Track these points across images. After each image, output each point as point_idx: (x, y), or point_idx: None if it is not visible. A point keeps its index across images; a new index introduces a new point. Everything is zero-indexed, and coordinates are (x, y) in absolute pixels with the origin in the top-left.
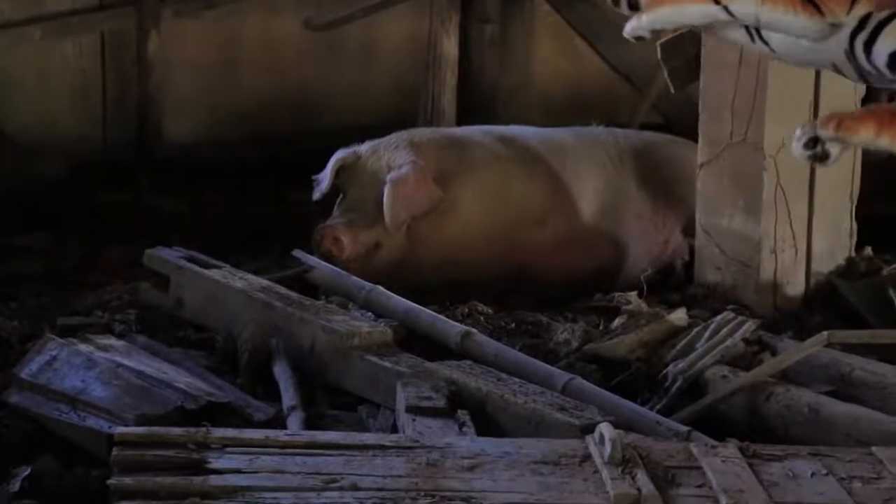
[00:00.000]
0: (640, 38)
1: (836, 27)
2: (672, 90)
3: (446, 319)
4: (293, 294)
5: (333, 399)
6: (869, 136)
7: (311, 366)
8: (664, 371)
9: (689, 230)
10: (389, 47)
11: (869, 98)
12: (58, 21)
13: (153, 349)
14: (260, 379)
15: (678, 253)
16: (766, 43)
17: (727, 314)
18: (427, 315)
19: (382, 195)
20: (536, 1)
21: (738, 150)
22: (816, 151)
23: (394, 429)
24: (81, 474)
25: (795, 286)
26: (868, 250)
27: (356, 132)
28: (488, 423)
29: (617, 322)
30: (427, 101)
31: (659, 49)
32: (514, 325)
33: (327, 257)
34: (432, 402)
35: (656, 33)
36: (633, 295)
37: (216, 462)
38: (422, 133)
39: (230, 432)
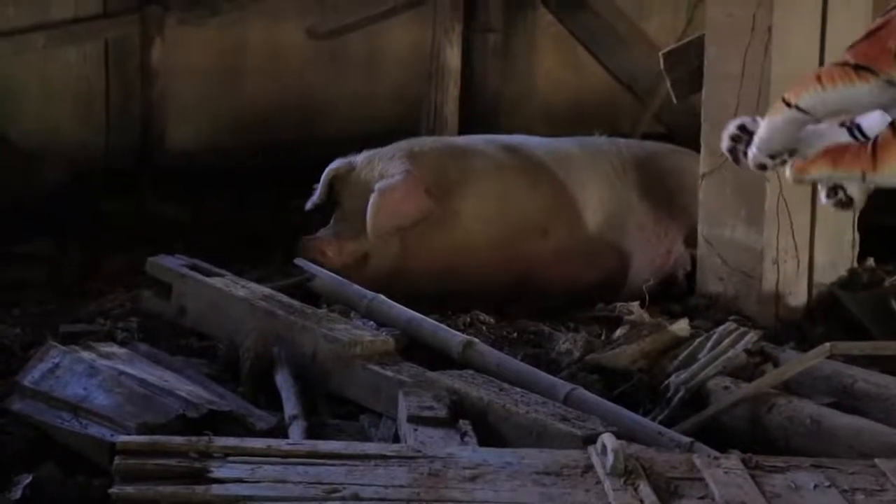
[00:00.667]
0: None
1: (892, 83)
2: (674, 100)
3: (448, 329)
4: (295, 302)
5: (335, 408)
6: (826, 170)
7: (313, 374)
8: (666, 382)
9: (691, 240)
10: (392, 56)
11: None
12: (61, 29)
13: (155, 357)
14: (262, 387)
15: (680, 263)
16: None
17: (729, 325)
18: (429, 324)
19: None
20: (539, 11)
21: None
22: (840, 198)
23: (395, 438)
24: (83, 482)
25: (798, 297)
26: (870, 261)
27: (359, 141)
28: (490, 433)
29: (619, 332)
30: (430, 111)
31: (662, 59)
32: (516, 334)
33: None
34: (434, 411)
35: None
36: (635, 305)
37: (218, 471)
38: (423, 142)
39: (232, 441)
